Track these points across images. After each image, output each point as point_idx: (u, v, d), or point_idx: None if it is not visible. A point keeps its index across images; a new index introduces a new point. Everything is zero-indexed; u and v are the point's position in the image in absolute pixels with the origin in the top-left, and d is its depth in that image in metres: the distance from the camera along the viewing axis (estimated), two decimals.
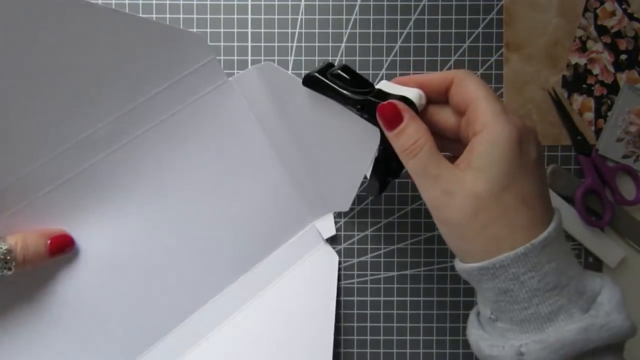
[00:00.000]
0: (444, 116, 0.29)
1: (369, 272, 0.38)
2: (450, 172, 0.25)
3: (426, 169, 0.25)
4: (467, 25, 0.38)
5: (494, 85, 0.38)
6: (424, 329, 0.39)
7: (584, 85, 0.39)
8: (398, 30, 0.38)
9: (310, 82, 0.31)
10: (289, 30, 0.38)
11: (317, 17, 0.38)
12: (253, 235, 0.35)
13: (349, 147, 0.32)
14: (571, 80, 0.39)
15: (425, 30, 0.38)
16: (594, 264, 0.39)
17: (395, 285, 0.39)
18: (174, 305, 0.34)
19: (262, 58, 0.38)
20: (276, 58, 0.38)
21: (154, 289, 0.33)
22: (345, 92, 0.29)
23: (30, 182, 0.29)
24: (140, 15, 0.37)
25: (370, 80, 0.32)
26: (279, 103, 0.33)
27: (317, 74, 0.30)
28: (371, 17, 0.38)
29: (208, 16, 0.37)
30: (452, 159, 0.26)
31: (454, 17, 0.38)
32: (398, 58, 0.38)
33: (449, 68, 0.38)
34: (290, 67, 0.38)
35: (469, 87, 0.26)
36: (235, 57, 0.38)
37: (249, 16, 0.38)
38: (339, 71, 0.30)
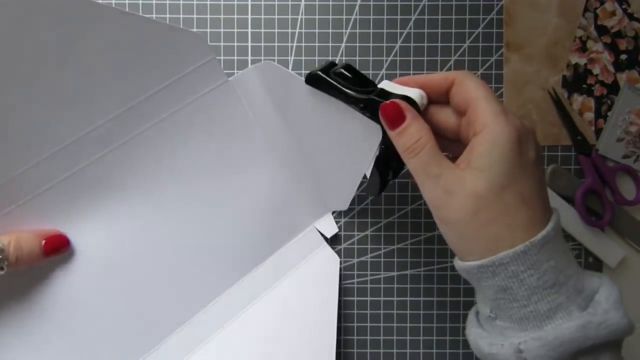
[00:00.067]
0: (445, 116, 0.29)
1: (369, 272, 0.38)
2: (451, 171, 0.25)
3: (427, 168, 0.26)
4: (467, 25, 0.38)
5: (494, 85, 0.38)
6: (424, 329, 0.39)
7: (584, 85, 0.39)
8: (398, 30, 0.38)
9: (313, 80, 0.31)
10: (289, 30, 0.38)
11: (317, 17, 0.38)
12: (252, 236, 0.34)
13: (349, 145, 0.32)
14: (571, 80, 0.39)
15: (425, 30, 0.38)
16: (594, 264, 0.39)
17: (395, 285, 0.39)
18: (173, 308, 0.33)
19: (262, 58, 0.38)
20: (276, 58, 0.38)
21: (152, 292, 0.33)
22: (348, 90, 0.30)
23: (25, 181, 0.29)
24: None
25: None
26: (279, 102, 0.33)
27: (320, 73, 0.30)
28: (371, 17, 0.38)
29: (208, 16, 0.37)
30: (452, 159, 0.27)
31: (454, 17, 0.38)
32: (398, 58, 0.38)
33: (449, 68, 0.38)
34: (290, 67, 0.38)
35: (469, 88, 0.26)
36: (235, 57, 0.38)
37: (249, 16, 0.38)
38: (342, 70, 0.30)
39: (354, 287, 0.38)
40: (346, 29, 0.38)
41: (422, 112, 0.29)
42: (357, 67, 0.32)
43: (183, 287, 0.33)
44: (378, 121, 0.29)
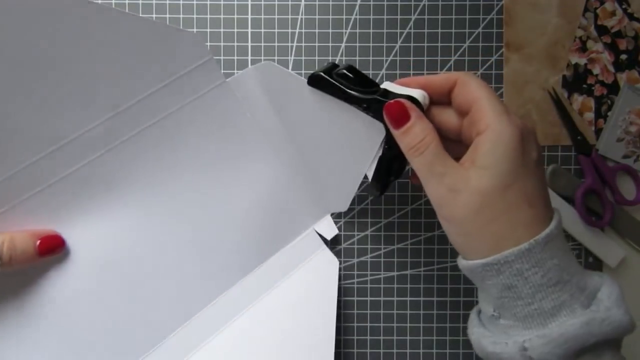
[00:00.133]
0: (446, 117, 0.29)
1: (369, 272, 0.38)
2: (456, 170, 0.25)
3: (432, 167, 0.26)
4: (467, 25, 0.38)
5: (494, 85, 0.38)
6: (424, 329, 0.39)
7: (584, 85, 0.39)
8: (398, 30, 0.38)
9: (315, 81, 0.31)
10: (289, 30, 0.38)
11: (317, 17, 0.38)
12: (251, 238, 0.34)
13: (351, 145, 0.32)
14: (571, 80, 0.39)
15: (425, 30, 0.38)
16: (594, 264, 0.39)
17: (395, 285, 0.39)
18: (170, 310, 0.33)
19: (262, 58, 0.38)
20: (276, 58, 0.38)
21: (149, 293, 0.32)
22: (351, 91, 0.30)
23: (21, 180, 0.29)
24: (140, 15, 0.37)
25: None
26: (278, 103, 0.33)
27: (322, 74, 0.31)
28: (371, 17, 0.38)
29: (208, 16, 0.37)
30: (454, 159, 0.27)
31: (454, 17, 0.38)
32: (398, 58, 0.38)
33: (449, 68, 0.38)
34: (290, 67, 0.38)
35: (472, 88, 0.27)
36: (235, 57, 0.38)
37: (249, 16, 0.38)
38: (344, 71, 0.31)
39: (354, 287, 0.38)
40: (346, 29, 0.38)
41: (424, 112, 0.29)
42: (357, 67, 0.32)
43: (181, 289, 0.33)
44: (381, 121, 0.29)
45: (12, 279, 0.30)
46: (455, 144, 0.29)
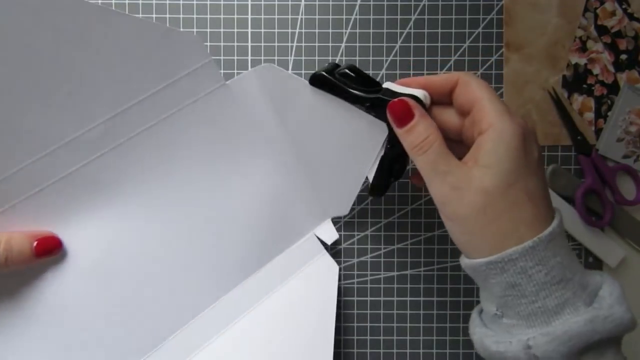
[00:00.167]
0: (447, 117, 0.29)
1: (369, 272, 0.38)
2: (459, 168, 0.26)
3: (435, 166, 0.26)
4: (467, 25, 0.38)
5: (494, 85, 0.38)
6: (424, 329, 0.39)
7: (584, 85, 0.39)
8: (398, 30, 0.38)
9: (317, 81, 0.31)
10: (289, 30, 0.38)
11: (317, 17, 0.38)
12: (249, 242, 0.34)
13: (352, 145, 0.32)
14: (571, 80, 0.39)
15: (425, 30, 0.38)
16: (594, 264, 0.39)
17: (395, 285, 0.38)
18: (169, 313, 0.33)
19: (262, 58, 0.38)
20: (276, 58, 0.38)
21: (146, 296, 0.32)
22: (354, 90, 0.30)
23: (19, 181, 0.28)
24: (140, 15, 0.37)
25: None
26: (279, 105, 0.33)
27: (324, 73, 0.31)
28: (371, 17, 0.38)
29: (208, 16, 0.37)
30: None
31: (454, 17, 0.38)
32: (398, 58, 0.38)
33: (449, 68, 0.38)
34: (290, 67, 0.38)
35: (474, 88, 0.27)
36: (235, 57, 0.38)
37: (249, 16, 0.38)
38: (347, 70, 0.31)
39: (354, 287, 0.38)
40: (346, 29, 0.38)
41: (426, 112, 0.29)
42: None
43: (179, 292, 0.33)
44: (384, 120, 0.29)
45: (8, 280, 0.29)
46: (455, 144, 0.29)
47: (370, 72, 0.38)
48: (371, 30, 0.38)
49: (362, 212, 0.39)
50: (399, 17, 0.38)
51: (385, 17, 0.38)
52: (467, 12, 0.38)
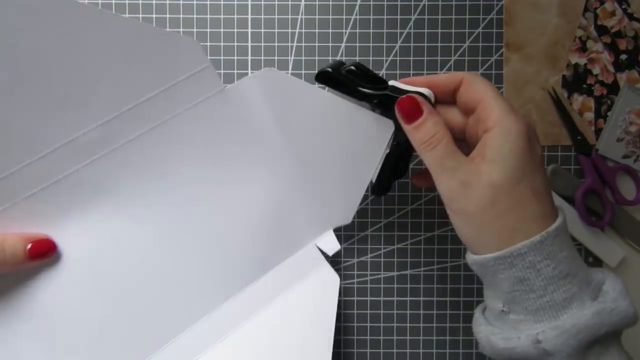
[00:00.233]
0: (450, 115, 0.29)
1: (369, 272, 0.38)
2: (467, 164, 0.26)
3: (444, 162, 0.26)
4: (467, 25, 0.38)
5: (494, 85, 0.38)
6: (424, 329, 0.39)
7: (584, 85, 0.39)
8: (398, 30, 0.38)
9: (323, 78, 0.31)
10: (289, 30, 0.38)
11: (317, 17, 0.38)
12: (247, 252, 0.33)
13: (357, 147, 0.31)
14: (571, 80, 0.39)
15: (425, 30, 0.38)
16: (594, 264, 0.39)
17: (395, 285, 0.39)
18: (165, 321, 0.32)
19: (262, 58, 0.38)
20: (276, 58, 0.38)
21: (143, 302, 0.31)
22: (361, 88, 0.30)
23: (12, 184, 0.28)
24: (140, 15, 0.37)
25: None
26: (279, 111, 0.32)
27: (330, 70, 0.30)
28: (371, 17, 0.38)
29: (208, 16, 0.37)
30: None
31: (454, 17, 0.38)
32: (398, 58, 0.38)
33: (449, 68, 0.38)
34: (290, 67, 0.38)
35: (478, 88, 0.27)
36: (235, 57, 0.38)
37: (249, 16, 0.38)
38: (352, 67, 0.30)
39: (354, 287, 0.38)
40: (346, 29, 0.38)
41: None
42: None
43: (175, 300, 0.32)
44: (390, 117, 0.29)
45: (2, 282, 0.29)
46: (458, 143, 0.29)
47: None
48: (371, 30, 0.38)
49: (362, 212, 0.39)
50: (399, 17, 0.38)
51: (385, 17, 0.38)
52: (467, 12, 0.38)
